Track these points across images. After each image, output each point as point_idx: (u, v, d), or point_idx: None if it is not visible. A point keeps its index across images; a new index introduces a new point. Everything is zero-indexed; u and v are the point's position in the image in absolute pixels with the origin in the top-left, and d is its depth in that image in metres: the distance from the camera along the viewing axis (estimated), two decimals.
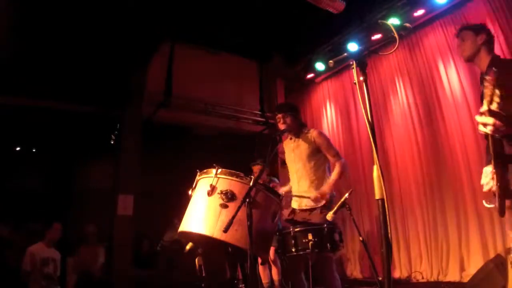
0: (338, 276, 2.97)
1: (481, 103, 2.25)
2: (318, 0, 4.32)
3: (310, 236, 2.66)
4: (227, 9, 5.91)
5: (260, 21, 6.31)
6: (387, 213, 1.57)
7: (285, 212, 3.22)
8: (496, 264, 3.47)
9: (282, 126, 3.21)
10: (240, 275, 4.84)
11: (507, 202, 2.02)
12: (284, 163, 3.81)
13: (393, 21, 5.36)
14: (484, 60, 2.26)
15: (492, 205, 2.21)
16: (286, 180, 3.62)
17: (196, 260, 4.28)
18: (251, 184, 2.22)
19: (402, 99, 6.01)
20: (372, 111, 1.71)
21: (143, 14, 5.61)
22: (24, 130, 7.05)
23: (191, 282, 4.62)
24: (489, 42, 2.29)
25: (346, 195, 2.76)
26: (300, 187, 3.19)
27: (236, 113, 7.29)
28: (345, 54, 2.00)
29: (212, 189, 2.32)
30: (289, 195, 3.23)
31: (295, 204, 3.21)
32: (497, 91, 1.62)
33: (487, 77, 1.64)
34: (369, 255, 2.80)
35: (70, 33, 5.42)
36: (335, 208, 2.75)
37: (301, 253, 2.69)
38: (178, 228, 2.46)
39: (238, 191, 2.30)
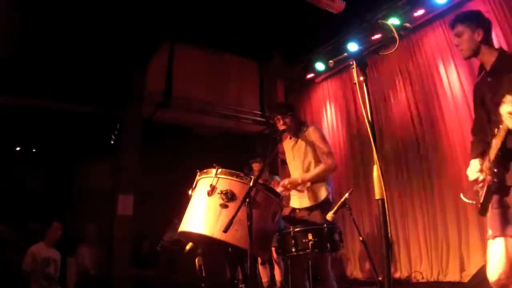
0: (332, 273, 2.97)
1: (478, 94, 2.24)
2: (318, 0, 4.31)
3: (310, 236, 2.66)
4: (227, 9, 5.91)
5: (260, 21, 6.31)
6: (387, 213, 1.56)
7: (286, 210, 3.23)
8: None
9: (281, 127, 3.21)
10: (240, 275, 4.84)
11: (494, 200, 2.01)
12: (284, 163, 3.83)
13: (393, 21, 5.36)
14: (487, 54, 2.10)
15: (471, 201, 2.20)
16: None
17: (196, 260, 4.28)
18: (251, 184, 2.22)
19: (402, 99, 6.01)
20: (372, 111, 1.70)
21: (143, 14, 5.61)
22: (24, 130, 7.05)
23: (191, 282, 4.62)
24: (488, 34, 2.11)
25: (346, 195, 2.77)
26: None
27: (236, 113, 7.29)
28: (345, 54, 2.01)
29: (212, 189, 2.32)
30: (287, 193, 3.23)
31: (296, 203, 3.21)
32: None
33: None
34: (369, 255, 2.80)
35: (70, 33, 5.42)
36: (335, 208, 2.76)
37: (301, 253, 2.69)
38: (178, 228, 2.47)
39: (238, 191, 2.30)
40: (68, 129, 6.93)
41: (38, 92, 5.54)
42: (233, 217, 2.06)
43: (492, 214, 2.01)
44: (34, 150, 8.11)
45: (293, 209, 3.23)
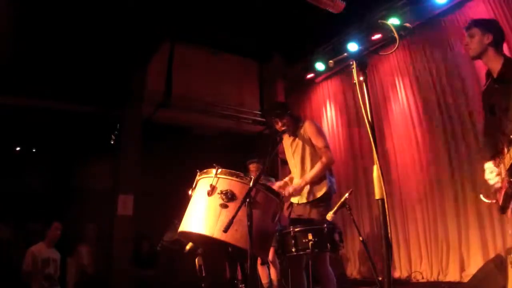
0: (332, 271, 2.98)
1: (486, 100, 2.31)
2: (318, 0, 4.32)
3: (310, 236, 2.66)
4: (227, 9, 5.90)
5: (260, 21, 6.30)
6: (387, 213, 1.56)
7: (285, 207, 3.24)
8: (496, 264, 3.47)
9: (281, 128, 3.23)
10: (240, 275, 4.83)
11: None
12: (284, 162, 3.83)
13: (393, 21, 5.36)
14: (493, 60, 2.22)
15: (491, 201, 2.25)
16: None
17: (196, 260, 4.27)
18: (251, 184, 2.22)
19: (402, 99, 6.01)
20: (372, 111, 1.70)
21: (143, 14, 5.60)
22: (24, 130, 7.04)
23: (191, 282, 4.61)
24: (498, 41, 2.24)
25: (346, 195, 2.77)
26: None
27: (236, 113, 7.29)
28: (345, 54, 2.00)
29: (212, 189, 2.32)
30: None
31: (294, 198, 3.22)
32: None
33: None
34: (369, 255, 2.80)
35: (70, 33, 5.42)
36: (335, 208, 2.76)
37: (301, 253, 2.69)
38: (178, 228, 2.46)
39: (238, 191, 2.30)
40: (68, 129, 6.93)
41: (38, 92, 5.54)
42: (233, 217, 2.06)
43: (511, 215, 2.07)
44: (34, 150, 8.10)
45: (291, 204, 3.24)
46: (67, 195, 7.35)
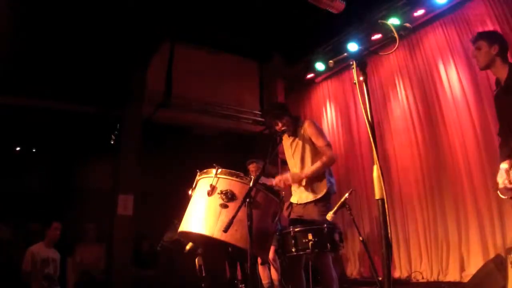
0: (334, 270, 2.98)
1: (498, 105, 2.41)
2: (318, 0, 4.31)
3: (310, 236, 2.65)
4: (227, 9, 5.90)
5: (260, 21, 6.30)
6: (387, 213, 1.57)
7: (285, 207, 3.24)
8: (496, 264, 3.48)
9: (281, 129, 3.22)
10: (240, 275, 4.83)
11: None
12: (284, 162, 3.83)
13: (393, 21, 5.36)
14: (500, 69, 2.37)
15: (506, 197, 2.34)
16: None
17: (196, 260, 4.27)
18: (251, 184, 2.22)
19: (402, 99, 6.01)
20: (372, 111, 1.71)
21: (143, 14, 5.61)
22: (24, 130, 7.04)
23: (191, 282, 4.61)
24: (504, 51, 2.38)
25: (346, 195, 2.77)
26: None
27: (236, 113, 7.28)
28: (345, 54, 2.00)
29: (212, 189, 2.32)
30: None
31: (294, 198, 3.22)
32: None
33: None
34: (369, 255, 2.81)
35: (70, 33, 5.42)
36: (335, 208, 2.75)
37: (301, 253, 2.69)
38: (178, 228, 2.47)
39: (238, 191, 2.30)
40: (68, 129, 6.93)
41: (38, 92, 5.54)
42: (233, 217, 2.06)
43: None
44: (34, 150, 8.10)
45: (290, 204, 3.24)
46: (67, 195, 7.34)
